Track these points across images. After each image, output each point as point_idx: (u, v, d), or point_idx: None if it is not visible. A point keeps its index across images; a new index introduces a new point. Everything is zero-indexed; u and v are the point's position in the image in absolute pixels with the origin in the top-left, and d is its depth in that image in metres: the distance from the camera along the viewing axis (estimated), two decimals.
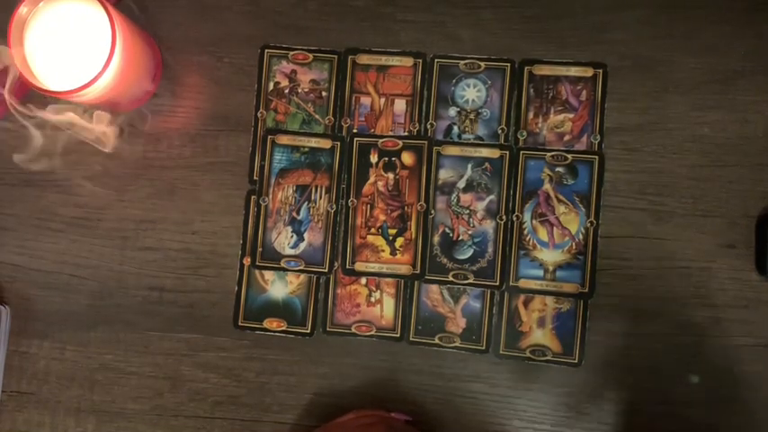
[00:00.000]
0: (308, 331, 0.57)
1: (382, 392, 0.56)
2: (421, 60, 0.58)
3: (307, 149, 0.58)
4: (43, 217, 0.59)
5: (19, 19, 0.49)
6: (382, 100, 0.58)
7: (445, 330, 0.57)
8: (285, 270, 0.58)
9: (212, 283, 0.58)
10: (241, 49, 0.58)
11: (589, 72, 0.57)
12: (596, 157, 0.56)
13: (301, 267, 0.57)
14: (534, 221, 0.57)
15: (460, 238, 0.57)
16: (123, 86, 0.53)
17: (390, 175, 0.57)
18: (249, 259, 0.58)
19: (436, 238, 0.57)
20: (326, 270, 0.57)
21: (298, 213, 0.58)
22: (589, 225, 0.56)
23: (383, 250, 0.57)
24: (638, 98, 0.56)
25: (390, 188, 0.57)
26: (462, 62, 0.58)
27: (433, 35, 0.58)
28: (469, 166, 0.57)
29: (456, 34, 0.58)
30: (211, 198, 0.58)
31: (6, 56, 0.48)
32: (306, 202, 0.58)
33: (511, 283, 0.56)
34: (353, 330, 0.57)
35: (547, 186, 0.57)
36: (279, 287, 0.58)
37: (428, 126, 0.58)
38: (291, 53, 0.58)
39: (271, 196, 0.58)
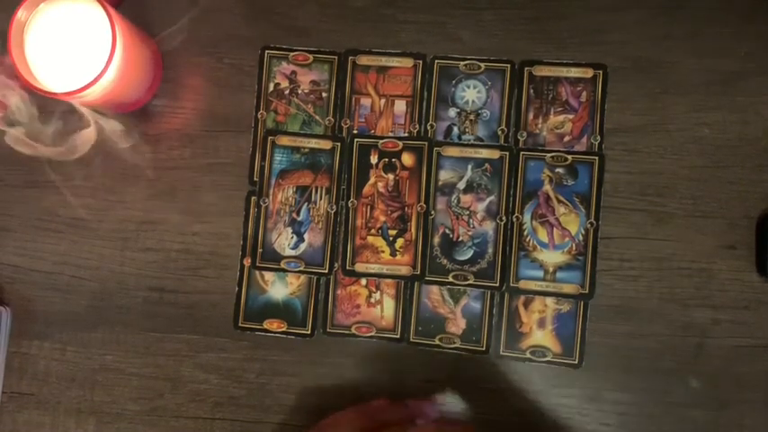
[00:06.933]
0: (309, 332, 0.57)
1: (383, 393, 0.56)
2: (421, 61, 0.58)
3: (307, 150, 0.58)
4: (44, 218, 0.59)
5: (19, 20, 0.49)
6: (382, 101, 0.58)
7: (445, 331, 0.57)
8: (285, 271, 0.58)
9: (212, 283, 0.58)
10: (241, 50, 0.58)
11: (589, 73, 0.57)
12: (596, 157, 0.56)
13: (301, 268, 0.57)
14: (534, 222, 0.57)
15: (460, 238, 0.57)
16: (123, 87, 0.53)
17: (390, 176, 0.57)
18: (249, 260, 0.58)
19: (436, 239, 0.57)
20: (327, 271, 0.57)
21: (298, 214, 0.58)
22: (589, 226, 0.56)
23: (383, 251, 0.57)
24: (638, 99, 0.56)
25: (390, 189, 0.57)
26: (462, 63, 0.58)
27: (434, 36, 0.58)
28: (469, 167, 0.57)
29: (456, 35, 0.58)
30: (211, 199, 0.58)
31: None
32: (306, 203, 0.58)
33: (511, 284, 0.56)
34: (354, 331, 0.57)
35: (547, 187, 0.57)
36: (279, 288, 0.58)
37: (428, 127, 0.58)
38: (291, 54, 0.58)
39: (271, 197, 0.58)
